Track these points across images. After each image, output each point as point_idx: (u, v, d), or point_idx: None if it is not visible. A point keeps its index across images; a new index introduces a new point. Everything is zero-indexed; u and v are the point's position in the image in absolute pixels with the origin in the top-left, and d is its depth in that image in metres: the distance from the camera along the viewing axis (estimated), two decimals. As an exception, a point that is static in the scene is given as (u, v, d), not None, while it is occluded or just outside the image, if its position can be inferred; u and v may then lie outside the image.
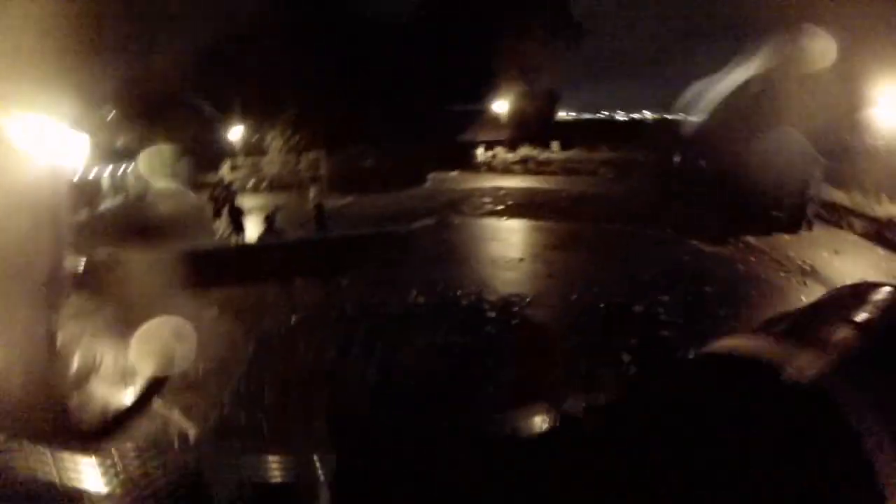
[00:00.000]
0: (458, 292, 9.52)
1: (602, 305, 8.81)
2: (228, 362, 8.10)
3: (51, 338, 7.68)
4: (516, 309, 8.87)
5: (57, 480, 2.16)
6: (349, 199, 21.39)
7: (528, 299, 9.29)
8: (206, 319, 9.37)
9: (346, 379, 7.14)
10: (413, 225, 5.57)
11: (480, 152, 27.48)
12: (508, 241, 12.36)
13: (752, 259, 12.32)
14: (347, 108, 33.10)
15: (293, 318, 9.12)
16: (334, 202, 20.63)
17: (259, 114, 33.27)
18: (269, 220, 11.27)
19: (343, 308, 9.21)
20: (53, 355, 7.56)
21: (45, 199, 7.53)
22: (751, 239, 13.56)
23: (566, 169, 24.10)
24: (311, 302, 9.52)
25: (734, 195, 15.34)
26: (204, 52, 37.98)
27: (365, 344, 7.86)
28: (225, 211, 17.38)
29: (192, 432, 6.55)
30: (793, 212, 15.00)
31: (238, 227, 15.26)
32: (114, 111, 27.67)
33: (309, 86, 33.93)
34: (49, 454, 2.23)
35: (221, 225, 17.10)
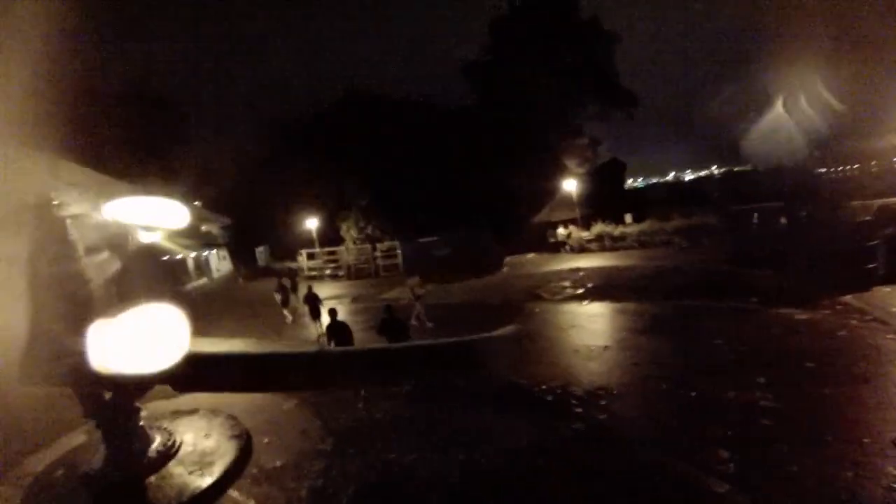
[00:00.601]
0: (543, 387, 9.29)
1: (693, 394, 8.30)
2: (306, 456, 8.08)
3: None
4: (603, 403, 8.55)
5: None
6: (427, 287, 21.51)
7: (614, 391, 8.95)
8: (285, 412, 9.49)
9: (426, 479, 6.97)
10: (494, 333, 5.41)
11: (556, 232, 27.42)
12: (591, 328, 11.79)
13: (854, 322, 11.15)
14: (415, 196, 34.21)
15: (372, 416, 9.12)
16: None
17: (332, 204, 34.81)
18: (332, 313, 11.64)
19: (423, 406, 9.12)
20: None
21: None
22: (847, 298, 12.58)
23: (641, 242, 23.69)
24: (391, 399, 9.48)
25: (822, 250, 14.43)
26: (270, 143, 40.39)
27: (445, 444, 7.71)
28: (294, 298, 18.14)
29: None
30: (891, 259, 13.79)
31: (315, 314, 15.93)
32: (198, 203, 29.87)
33: (379, 176, 35.45)
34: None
35: (290, 313, 18.08)
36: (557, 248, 26.86)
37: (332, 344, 11.29)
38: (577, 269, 19.85)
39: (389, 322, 11.10)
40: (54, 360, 7.58)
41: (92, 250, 7.84)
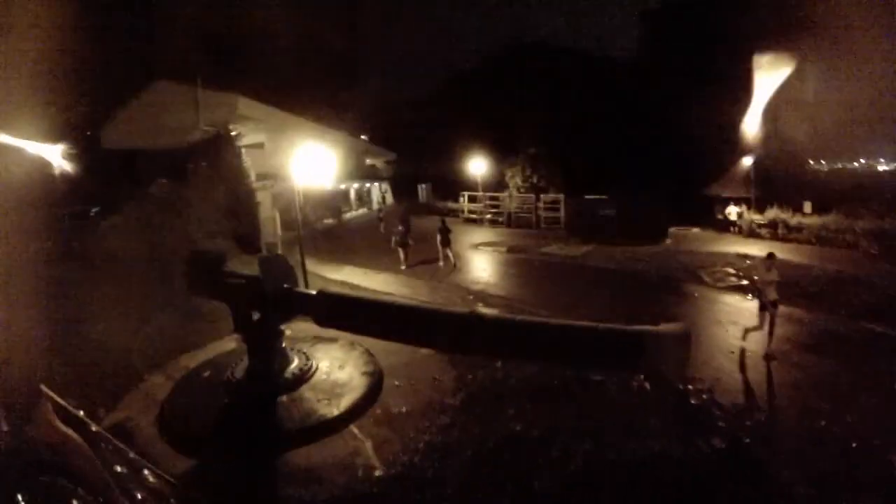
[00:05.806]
0: (690, 388, 8.58)
1: (854, 445, 7.00)
2: (432, 408, 8.13)
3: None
4: (748, 423, 7.75)
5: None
6: (589, 247, 21.27)
7: (764, 415, 8.05)
8: (422, 357, 9.57)
9: (545, 462, 6.71)
10: (663, 328, 4.79)
11: (725, 209, 25.11)
12: (753, 330, 10.22)
13: None
14: (585, 151, 33.30)
15: (508, 381, 8.87)
16: (572, 251, 20.50)
17: (500, 150, 34.94)
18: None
19: (562, 385, 8.71)
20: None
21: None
22: None
23: (820, 237, 20.78)
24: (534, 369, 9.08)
25: None
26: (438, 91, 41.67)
27: (572, 435, 7.27)
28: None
29: (377, 468, 6.67)
30: None
31: (445, 242, 18.29)
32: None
33: (548, 127, 34.93)
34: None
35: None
36: (725, 227, 24.50)
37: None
38: (745, 256, 17.90)
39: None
40: (216, 277, 8.22)
41: (262, 177, 8.55)
